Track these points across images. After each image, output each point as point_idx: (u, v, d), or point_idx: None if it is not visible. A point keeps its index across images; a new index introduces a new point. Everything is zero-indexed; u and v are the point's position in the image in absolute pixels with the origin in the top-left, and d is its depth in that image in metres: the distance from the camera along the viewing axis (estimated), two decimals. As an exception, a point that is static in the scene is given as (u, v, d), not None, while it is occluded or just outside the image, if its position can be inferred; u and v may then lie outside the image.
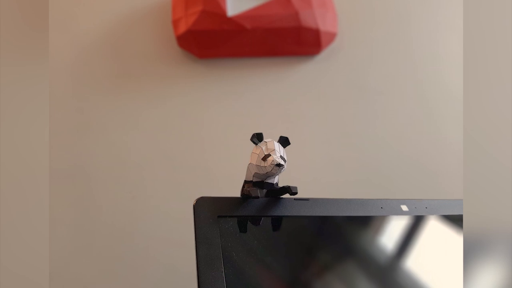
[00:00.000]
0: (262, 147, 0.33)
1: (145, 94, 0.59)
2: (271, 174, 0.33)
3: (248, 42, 0.59)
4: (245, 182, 0.35)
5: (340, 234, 0.36)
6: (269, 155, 0.32)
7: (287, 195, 0.35)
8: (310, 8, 0.59)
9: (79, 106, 0.58)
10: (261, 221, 0.34)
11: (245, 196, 0.34)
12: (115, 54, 0.60)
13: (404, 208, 0.39)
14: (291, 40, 0.60)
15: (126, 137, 0.57)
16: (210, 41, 0.59)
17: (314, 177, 0.57)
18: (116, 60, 0.60)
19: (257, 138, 0.33)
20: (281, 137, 0.34)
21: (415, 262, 0.36)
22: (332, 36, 0.62)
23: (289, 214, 0.35)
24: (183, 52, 0.61)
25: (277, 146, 0.33)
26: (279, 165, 0.32)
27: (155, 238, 0.53)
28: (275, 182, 0.35)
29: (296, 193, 0.34)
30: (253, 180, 0.34)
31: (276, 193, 0.35)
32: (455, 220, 0.40)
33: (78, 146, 0.56)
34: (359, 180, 0.58)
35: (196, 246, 0.30)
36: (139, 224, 0.53)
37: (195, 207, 0.32)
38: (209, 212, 0.32)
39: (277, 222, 0.35)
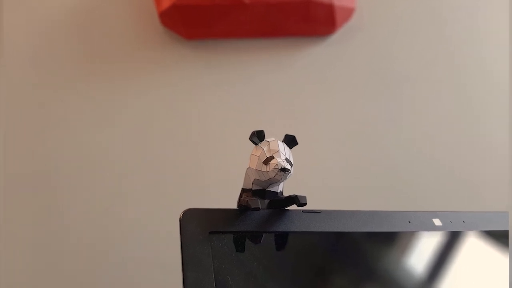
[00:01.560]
0: (264, 148, 0.33)
1: (122, 84, 0.59)
2: (275, 181, 0.33)
3: (246, 19, 0.59)
4: (243, 190, 0.35)
5: (358, 253, 0.36)
6: (272, 157, 0.32)
7: (293, 207, 0.35)
8: (321, -22, 0.59)
9: (40, 99, 0.58)
10: (262, 238, 0.34)
11: (243, 207, 0.34)
12: (84, 34, 0.60)
13: (437, 222, 0.39)
14: (298, 17, 0.60)
15: (99, 136, 0.57)
16: (200, 18, 0.59)
17: (326, 184, 0.57)
18: (86, 42, 0.60)
19: (258, 137, 0.33)
20: (286, 135, 0.34)
21: (451, 287, 0.36)
22: (349, 12, 0.62)
23: (296, 230, 0.35)
24: (167, 32, 0.61)
25: (282, 147, 0.33)
26: (284, 169, 0.32)
27: (134, 259, 0.53)
28: (279, 191, 0.35)
29: (305, 204, 0.34)
30: (253, 188, 0.34)
31: (281, 203, 0.35)
32: (499, 237, 0.40)
33: (40, 147, 0.56)
34: (380, 187, 0.58)
35: (183, 268, 0.30)
36: (114, 242, 0.53)
37: (182, 221, 0.32)
38: (199, 227, 0.32)
39: (281, 239, 0.35)
